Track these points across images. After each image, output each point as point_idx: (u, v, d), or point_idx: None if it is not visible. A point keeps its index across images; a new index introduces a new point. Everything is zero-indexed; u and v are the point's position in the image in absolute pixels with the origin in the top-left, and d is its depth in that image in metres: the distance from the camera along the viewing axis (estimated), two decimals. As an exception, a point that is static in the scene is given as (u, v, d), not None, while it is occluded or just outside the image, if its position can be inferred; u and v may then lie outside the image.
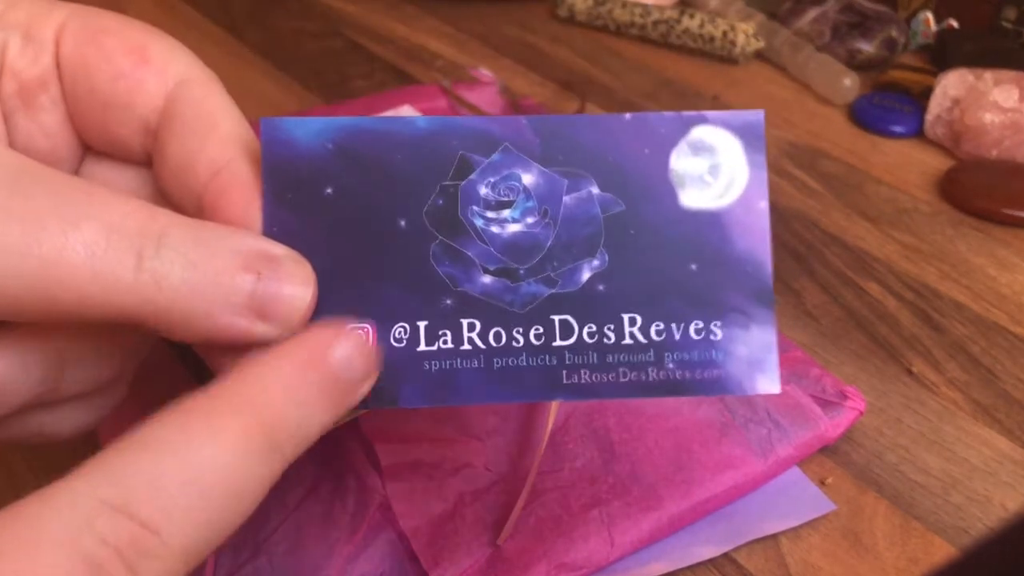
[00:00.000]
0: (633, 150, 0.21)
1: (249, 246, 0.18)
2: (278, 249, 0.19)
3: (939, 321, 0.38)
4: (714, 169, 0.21)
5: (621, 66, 0.59)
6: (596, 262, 0.21)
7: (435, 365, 0.20)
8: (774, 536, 0.29)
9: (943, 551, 0.28)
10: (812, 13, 0.59)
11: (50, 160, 0.21)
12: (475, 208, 0.21)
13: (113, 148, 0.22)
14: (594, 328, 0.21)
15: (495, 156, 0.21)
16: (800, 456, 0.30)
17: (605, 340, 0.21)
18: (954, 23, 0.58)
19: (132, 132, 0.21)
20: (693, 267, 0.21)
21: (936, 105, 0.50)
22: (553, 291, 0.21)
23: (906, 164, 0.49)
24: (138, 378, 0.23)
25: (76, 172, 0.22)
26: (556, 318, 0.21)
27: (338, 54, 0.60)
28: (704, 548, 0.28)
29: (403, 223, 0.20)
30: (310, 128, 0.20)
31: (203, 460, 0.16)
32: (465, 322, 0.20)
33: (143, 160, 0.22)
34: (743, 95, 0.55)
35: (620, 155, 0.21)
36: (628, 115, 0.21)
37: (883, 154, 0.50)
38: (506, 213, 0.21)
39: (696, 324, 0.21)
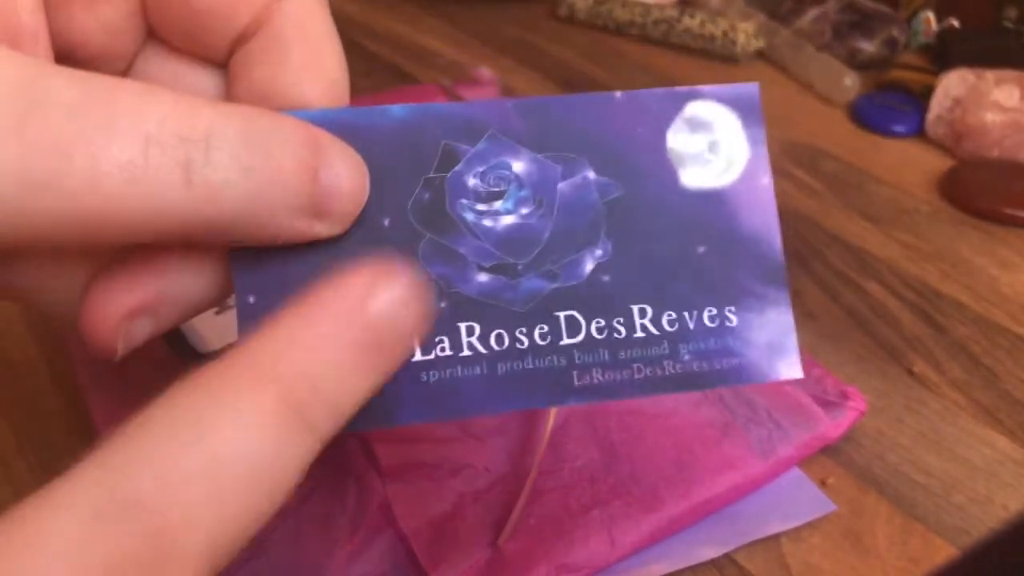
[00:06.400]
0: (627, 130, 0.20)
1: (299, 136, 0.17)
2: (325, 137, 0.17)
3: (940, 321, 0.38)
4: (714, 146, 0.20)
5: (621, 65, 0.59)
6: (599, 251, 0.19)
7: (433, 376, 0.18)
8: (775, 537, 0.29)
9: (944, 552, 0.28)
10: (813, 12, 0.58)
11: (102, 57, 0.20)
12: (464, 201, 0.19)
13: (191, 49, 0.20)
14: (603, 323, 0.19)
15: (481, 144, 0.19)
16: (801, 456, 0.30)
17: (616, 335, 0.19)
18: (955, 22, 0.58)
19: (223, 41, 0.19)
20: (701, 250, 0.20)
21: (937, 105, 0.49)
22: (555, 285, 0.19)
23: (907, 164, 0.49)
24: (132, 367, 0.23)
25: (130, 66, 0.20)
26: (561, 315, 0.19)
27: (338, 54, 0.60)
28: (705, 549, 0.28)
29: (387, 222, 0.19)
30: None
31: (224, 445, 0.14)
32: (463, 326, 0.19)
33: (219, 63, 0.20)
34: (744, 95, 0.55)
35: (613, 136, 0.19)
36: (618, 93, 0.20)
37: (884, 154, 0.49)
38: (498, 204, 0.19)
39: (709, 311, 0.19)
